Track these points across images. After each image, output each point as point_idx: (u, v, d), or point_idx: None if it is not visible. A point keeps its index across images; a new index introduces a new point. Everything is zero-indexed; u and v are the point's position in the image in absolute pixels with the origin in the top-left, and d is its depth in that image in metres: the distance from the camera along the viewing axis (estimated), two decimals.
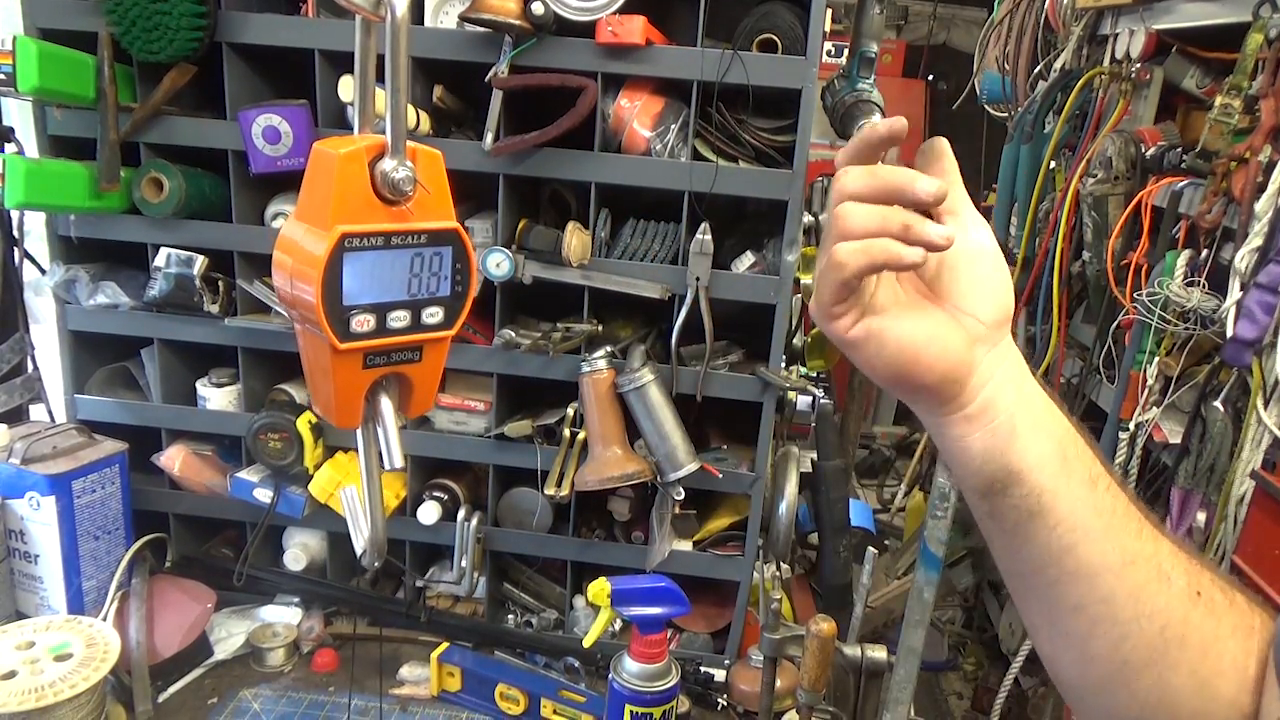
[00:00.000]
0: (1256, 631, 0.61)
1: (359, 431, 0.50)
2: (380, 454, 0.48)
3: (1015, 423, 0.59)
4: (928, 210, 0.59)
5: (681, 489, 1.56)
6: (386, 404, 0.50)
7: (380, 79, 0.48)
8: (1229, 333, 1.52)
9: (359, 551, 0.52)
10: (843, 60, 1.76)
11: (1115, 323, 1.99)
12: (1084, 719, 0.67)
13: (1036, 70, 2.65)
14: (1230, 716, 0.60)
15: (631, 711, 1.34)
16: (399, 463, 0.49)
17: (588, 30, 1.42)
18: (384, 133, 0.45)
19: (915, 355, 0.59)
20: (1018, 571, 0.64)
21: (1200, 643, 0.59)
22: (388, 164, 0.45)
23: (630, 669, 1.35)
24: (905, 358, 0.59)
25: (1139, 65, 2.05)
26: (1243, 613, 0.61)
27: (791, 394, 1.66)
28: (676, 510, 1.62)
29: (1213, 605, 0.60)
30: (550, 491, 1.59)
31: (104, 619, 1.49)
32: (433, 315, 0.50)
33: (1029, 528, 0.60)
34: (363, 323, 0.47)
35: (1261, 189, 1.51)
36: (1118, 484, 0.61)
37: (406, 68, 0.45)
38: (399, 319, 0.49)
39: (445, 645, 1.61)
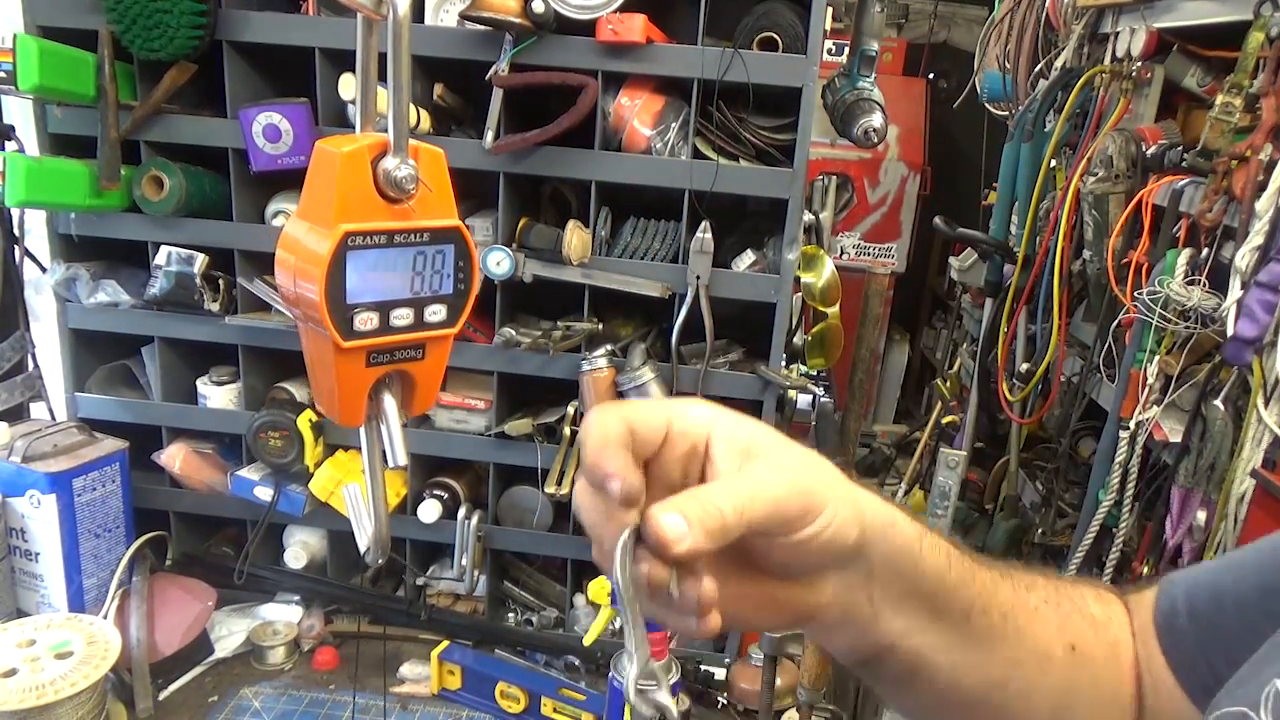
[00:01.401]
0: (1121, 643, 0.64)
1: (362, 429, 0.50)
2: (384, 452, 0.48)
3: (876, 610, 0.56)
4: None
5: None
6: (390, 402, 0.50)
7: (382, 78, 0.48)
8: (1229, 331, 1.52)
9: (363, 549, 0.52)
10: (843, 58, 1.76)
11: (1116, 321, 1.99)
12: None
13: (1037, 69, 2.65)
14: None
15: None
16: (403, 460, 0.49)
17: (588, 28, 1.42)
18: (386, 131, 0.45)
19: (750, 626, 0.57)
20: (909, 712, 0.65)
21: (1086, 700, 0.62)
22: (390, 162, 0.45)
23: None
24: (736, 629, 0.58)
25: (1140, 64, 2.05)
26: (1105, 628, 0.64)
27: (792, 392, 1.65)
28: None
29: (1086, 650, 0.62)
30: (550, 490, 1.59)
31: (104, 617, 1.49)
32: (435, 313, 0.50)
33: (908, 683, 0.60)
34: (366, 321, 0.47)
35: (1262, 187, 1.51)
36: (995, 591, 0.59)
37: (408, 66, 0.45)
38: (402, 317, 0.49)
39: (446, 643, 1.61)
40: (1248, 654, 0.54)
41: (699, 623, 0.48)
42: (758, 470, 0.50)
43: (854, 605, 0.55)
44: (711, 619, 0.48)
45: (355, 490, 0.48)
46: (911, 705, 0.63)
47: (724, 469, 0.50)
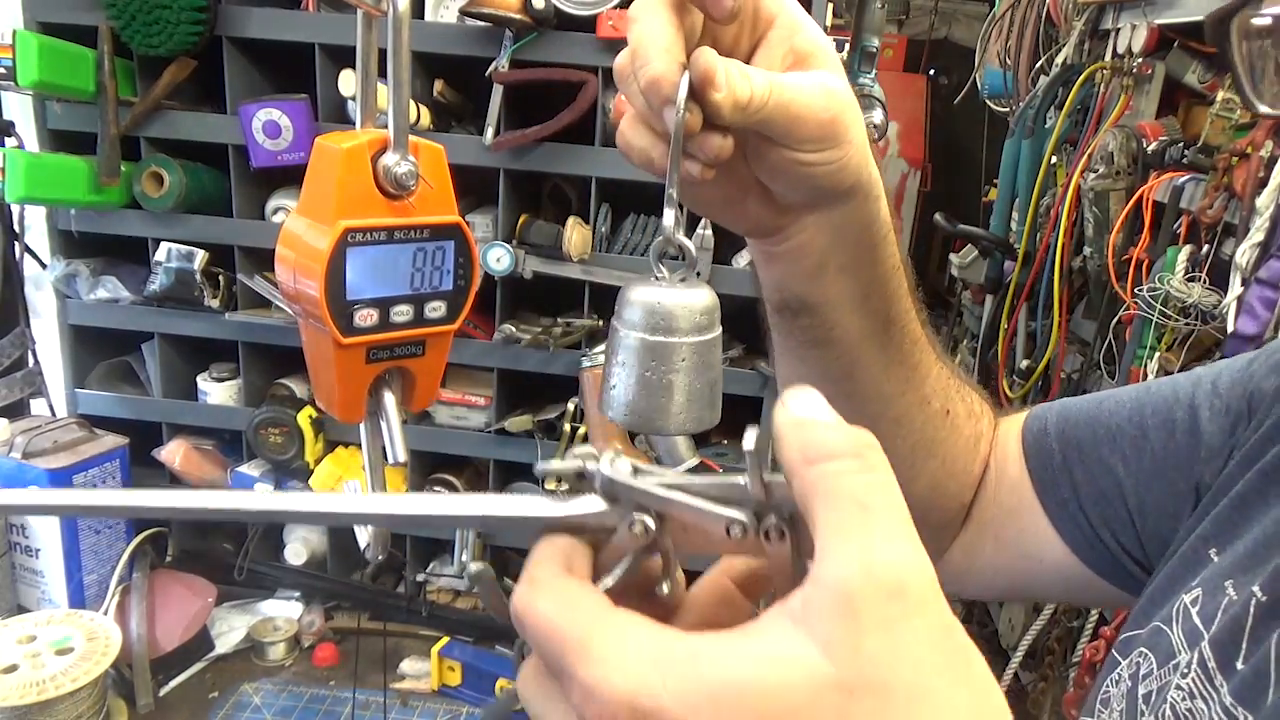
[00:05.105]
0: (984, 436, 0.72)
1: (362, 426, 0.50)
2: (384, 448, 0.49)
3: (825, 262, 0.57)
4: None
5: None
6: (390, 398, 0.50)
7: (382, 74, 0.48)
8: (1230, 328, 1.52)
9: (363, 545, 0.52)
10: (844, 55, 1.76)
11: (1116, 318, 1.98)
12: None
13: (1038, 65, 2.64)
14: (952, 508, 0.72)
15: None
16: (403, 457, 0.49)
17: (588, 24, 1.42)
18: (386, 127, 0.45)
19: (709, 212, 0.57)
20: (792, 372, 0.67)
21: (942, 455, 0.69)
22: (390, 159, 0.45)
23: None
24: (699, 209, 0.57)
25: (1141, 60, 2.05)
26: (977, 420, 0.71)
27: None
28: None
29: (956, 421, 0.69)
30: (551, 486, 1.59)
31: (105, 613, 1.49)
32: (435, 309, 0.50)
33: (814, 353, 0.62)
34: (366, 317, 0.47)
35: (1263, 184, 1.51)
36: (915, 320, 0.63)
37: (408, 62, 0.45)
38: (402, 313, 0.49)
39: (446, 640, 1.61)
40: (1106, 474, 0.66)
41: (699, 170, 0.49)
42: (801, 78, 0.49)
43: (808, 247, 0.56)
44: (709, 174, 0.49)
45: (356, 487, 0.48)
46: (800, 373, 0.65)
47: (768, 63, 0.50)
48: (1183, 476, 0.64)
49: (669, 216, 0.48)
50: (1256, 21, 0.48)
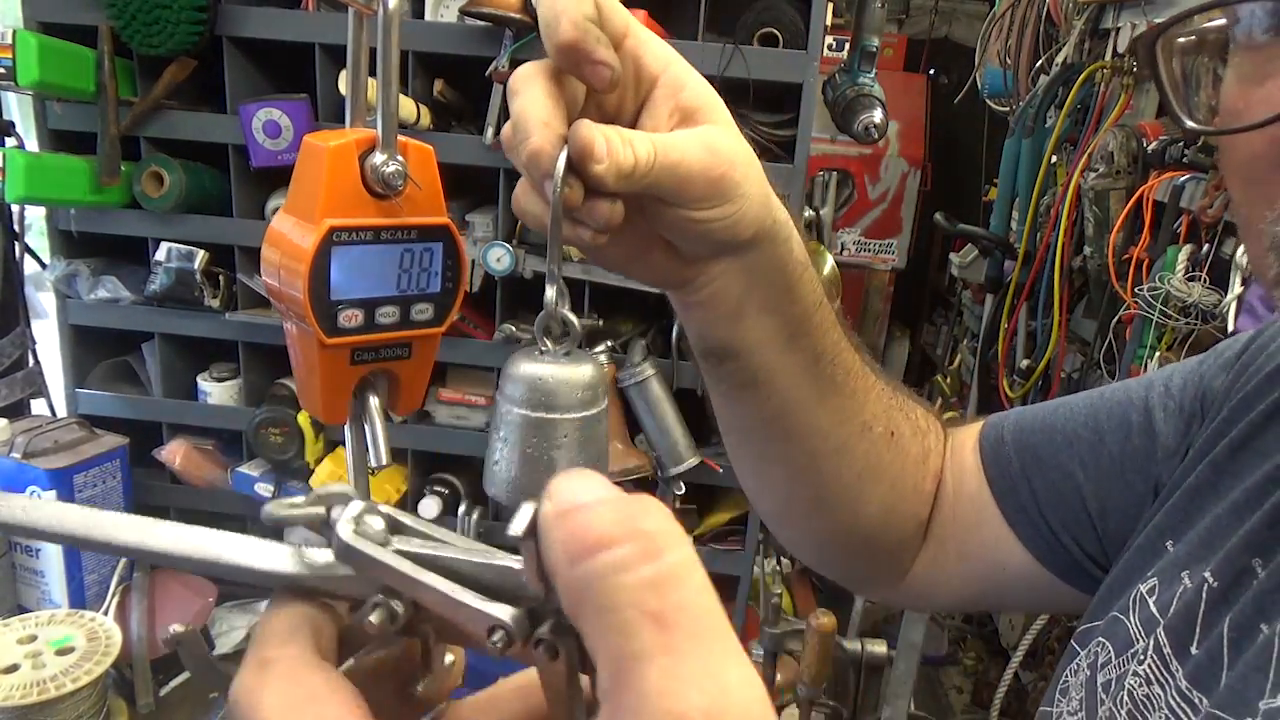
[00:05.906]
0: (933, 451, 0.72)
1: (346, 428, 0.50)
2: (367, 451, 0.49)
3: (742, 307, 0.57)
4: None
5: (682, 484, 1.57)
6: (374, 401, 0.50)
7: (373, 72, 0.48)
8: (1230, 327, 1.52)
9: None
10: (844, 54, 1.76)
11: (1116, 317, 1.98)
12: (782, 539, 0.78)
13: (1038, 64, 2.64)
14: (908, 527, 0.72)
15: None
16: (385, 460, 0.49)
17: None
18: (375, 126, 0.45)
19: (616, 268, 0.56)
20: (732, 428, 0.67)
21: (890, 477, 0.69)
22: (378, 158, 0.45)
23: None
24: (607, 266, 0.57)
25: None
26: (924, 436, 0.71)
27: None
28: (677, 505, 1.62)
29: (902, 442, 0.69)
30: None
31: (105, 613, 1.49)
32: (422, 312, 0.50)
33: (744, 394, 0.62)
34: (350, 318, 0.47)
35: None
36: (847, 349, 0.63)
37: (397, 61, 0.45)
38: (387, 315, 0.49)
39: None
40: (1065, 479, 0.67)
41: (591, 237, 0.49)
42: (685, 138, 0.48)
43: (723, 294, 0.56)
44: (601, 239, 0.49)
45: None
46: (734, 415, 0.65)
47: (654, 123, 0.50)
48: (1141, 477, 0.65)
49: (550, 291, 0.48)
50: (1181, 40, 0.48)
